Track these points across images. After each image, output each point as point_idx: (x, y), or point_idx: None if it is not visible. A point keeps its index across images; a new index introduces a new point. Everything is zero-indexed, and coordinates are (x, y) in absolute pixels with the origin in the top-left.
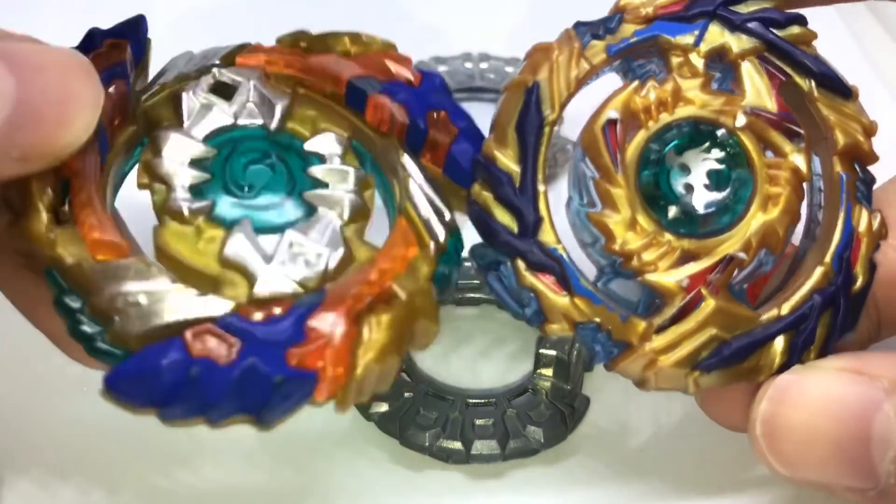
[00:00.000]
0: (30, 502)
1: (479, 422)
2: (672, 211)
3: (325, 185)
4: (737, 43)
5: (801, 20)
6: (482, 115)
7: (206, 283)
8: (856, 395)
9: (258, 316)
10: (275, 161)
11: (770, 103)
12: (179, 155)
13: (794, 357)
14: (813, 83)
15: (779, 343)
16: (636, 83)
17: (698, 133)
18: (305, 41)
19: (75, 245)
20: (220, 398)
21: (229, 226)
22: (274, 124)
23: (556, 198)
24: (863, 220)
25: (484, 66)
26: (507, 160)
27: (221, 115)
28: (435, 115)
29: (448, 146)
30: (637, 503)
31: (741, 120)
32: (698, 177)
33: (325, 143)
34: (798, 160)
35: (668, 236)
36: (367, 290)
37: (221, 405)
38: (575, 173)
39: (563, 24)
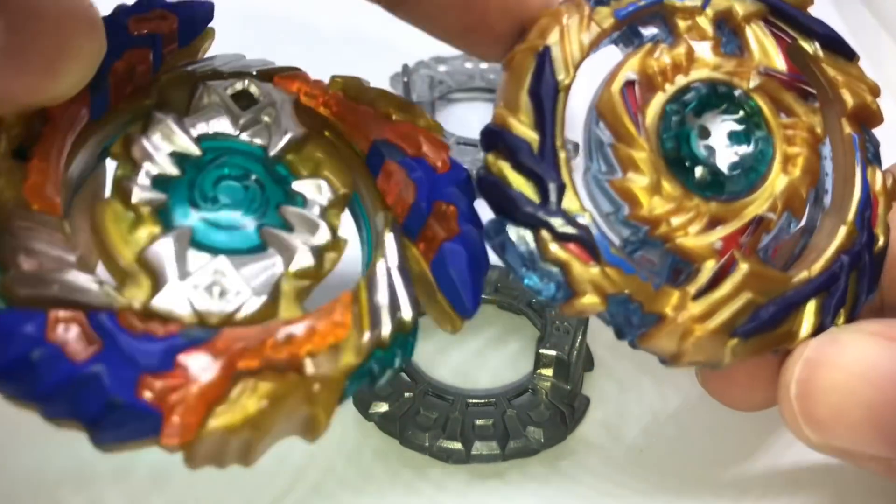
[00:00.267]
0: None
1: (479, 422)
2: (699, 172)
3: (290, 230)
4: (742, 6)
5: None
6: (482, 115)
7: (116, 273)
8: (889, 360)
9: (135, 327)
10: (252, 183)
11: (779, 63)
12: (164, 142)
13: (826, 319)
14: (818, 45)
15: (810, 306)
16: (648, 45)
17: (715, 95)
18: (355, 89)
19: (15, 184)
20: (51, 393)
21: (168, 225)
22: (273, 151)
23: None
24: (878, 180)
25: (484, 66)
26: (524, 127)
27: (228, 121)
28: (444, 206)
29: (443, 241)
30: (637, 503)
31: (755, 80)
32: (719, 138)
33: (316, 188)
34: (813, 119)
35: (695, 200)
36: (264, 351)
37: (54, 402)
38: (589, 141)
39: None
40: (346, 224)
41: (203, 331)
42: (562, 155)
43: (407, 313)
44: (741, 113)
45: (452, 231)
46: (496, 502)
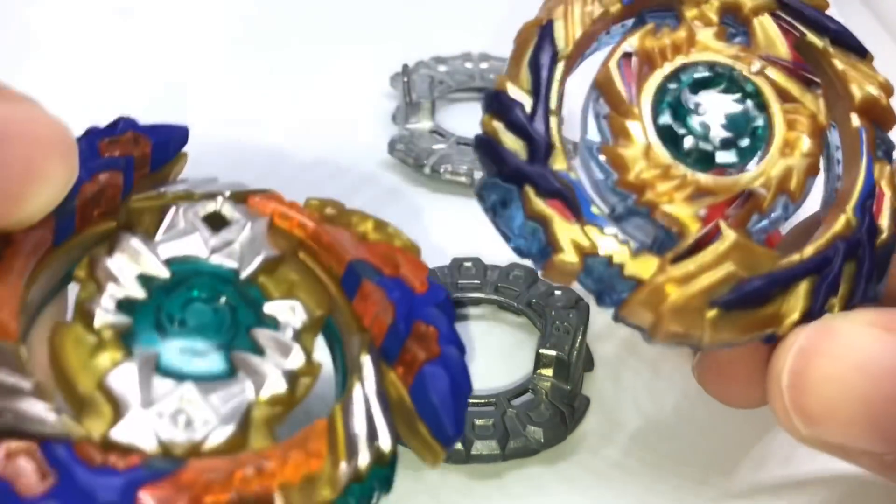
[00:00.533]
0: None
1: (479, 422)
2: (688, 141)
3: (262, 353)
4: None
5: None
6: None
7: (75, 401)
8: (887, 353)
9: (94, 459)
10: (222, 306)
11: (785, 53)
12: (131, 263)
13: (817, 303)
14: (828, 40)
15: (801, 287)
16: (651, 25)
17: (715, 74)
18: (332, 208)
19: None
20: None
21: (132, 350)
22: (245, 273)
23: None
24: (885, 174)
25: (484, 66)
26: (519, 90)
27: (199, 244)
28: (423, 327)
29: (421, 364)
30: (636, 503)
31: (756, 65)
32: (715, 116)
33: (289, 310)
34: (815, 106)
35: (683, 169)
36: (233, 484)
37: None
38: (587, 115)
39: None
40: (320, 348)
41: (167, 462)
42: (553, 119)
43: (385, 443)
44: (739, 93)
45: (432, 352)
46: (496, 502)
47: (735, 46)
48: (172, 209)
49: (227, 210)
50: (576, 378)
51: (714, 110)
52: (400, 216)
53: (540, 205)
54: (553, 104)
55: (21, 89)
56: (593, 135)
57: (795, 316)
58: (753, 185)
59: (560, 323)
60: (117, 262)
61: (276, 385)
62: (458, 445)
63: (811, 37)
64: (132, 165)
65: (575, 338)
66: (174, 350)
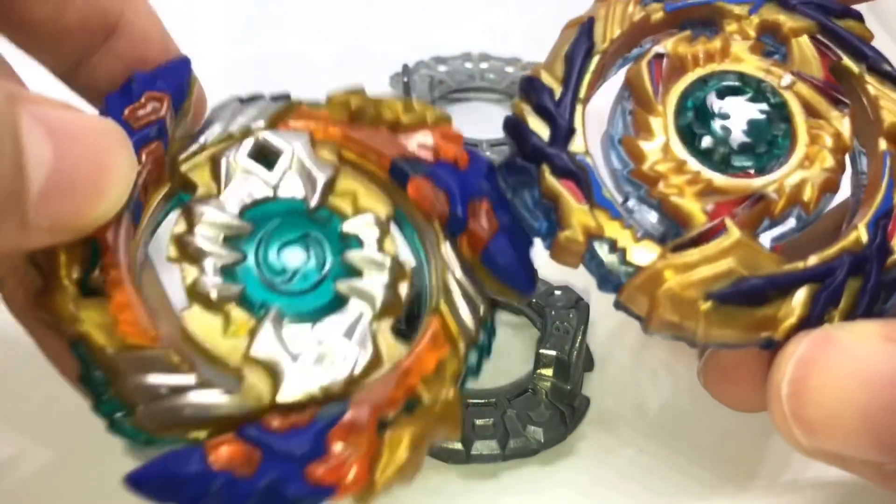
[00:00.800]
0: None
1: (479, 422)
2: (706, 141)
3: (360, 273)
4: (790, 20)
5: (859, 17)
6: (482, 114)
7: (230, 373)
8: (888, 364)
9: (279, 427)
10: (311, 243)
11: (818, 72)
12: (213, 231)
13: (815, 312)
14: (864, 66)
15: (800, 294)
16: (687, 32)
17: (744, 83)
18: (357, 101)
19: (104, 321)
20: None
21: (258, 313)
22: (314, 202)
23: None
24: None
25: (484, 65)
26: (551, 77)
27: (261, 185)
28: (478, 204)
29: (486, 242)
30: (636, 503)
31: (787, 79)
32: (737, 122)
33: (365, 225)
34: (841, 125)
35: (698, 166)
36: (391, 399)
37: None
38: (615, 110)
39: (553, 24)
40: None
41: (335, 406)
42: (579, 107)
43: (484, 308)
44: (765, 104)
45: (493, 227)
46: (496, 502)
47: (768, 61)
48: (223, 161)
49: (270, 141)
50: (576, 378)
51: (737, 116)
52: None
53: (553, 183)
54: (582, 94)
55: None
56: (618, 128)
57: (792, 321)
58: (766, 189)
59: (560, 323)
60: (202, 236)
61: (384, 299)
62: (459, 445)
63: (847, 61)
64: (165, 128)
65: (575, 338)
66: (288, 298)
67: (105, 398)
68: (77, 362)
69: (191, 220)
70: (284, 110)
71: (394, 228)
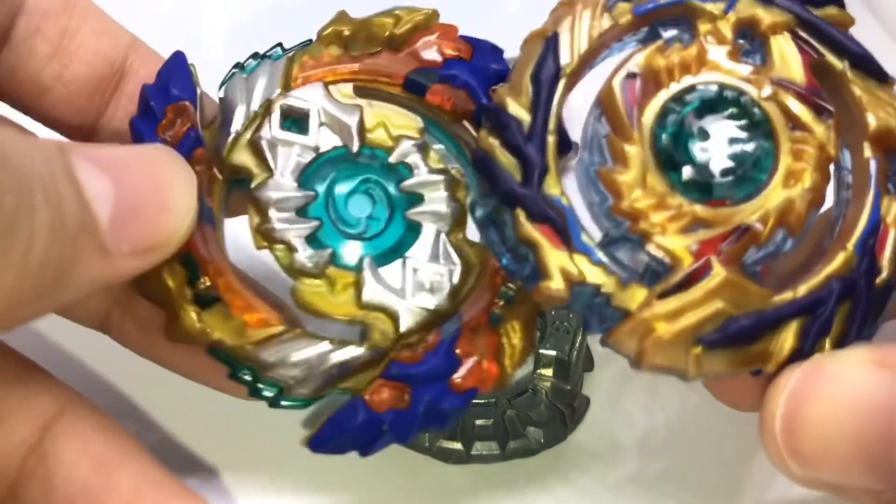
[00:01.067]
0: None
1: (479, 422)
2: (687, 171)
3: (421, 197)
4: (768, 15)
5: (838, 2)
6: None
7: (354, 326)
8: (880, 390)
9: (414, 358)
10: (370, 186)
11: (799, 77)
12: (284, 212)
13: (806, 345)
14: (847, 63)
15: (790, 327)
16: (660, 42)
17: (721, 98)
18: (347, 28)
19: (227, 324)
20: (410, 436)
21: (355, 268)
22: (355, 146)
23: None
24: (892, 210)
25: None
26: (518, 106)
27: (303, 150)
28: (497, 88)
29: None
30: (636, 503)
31: (767, 90)
32: (717, 142)
33: (407, 151)
34: (825, 136)
35: (679, 199)
36: (492, 301)
37: (412, 436)
38: (588, 133)
39: None
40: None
41: (451, 323)
42: (550, 139)
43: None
44: (746, 120)
45: None
46: (496, 502)
47: (747, 67)
48: (262, 143)
49: (293, 106)
50: (576, 378)
51: (718, 137)
52: None
53: (530, 229)
54: (551, 124)
55: None
56: (592, 154)
57: (784, 355)
58: (751, 219)
59: (560, 323)
60: (277, 219)
61: (451, 212)
62: (459, 445)
63: (830, 58)
64: (199, 133)
65: (575, 338)
66: (371, 243)
67: (259, 385)
68: (220, 364)
69: (260, 208)
70: (290, 68)
71: (431, 141)
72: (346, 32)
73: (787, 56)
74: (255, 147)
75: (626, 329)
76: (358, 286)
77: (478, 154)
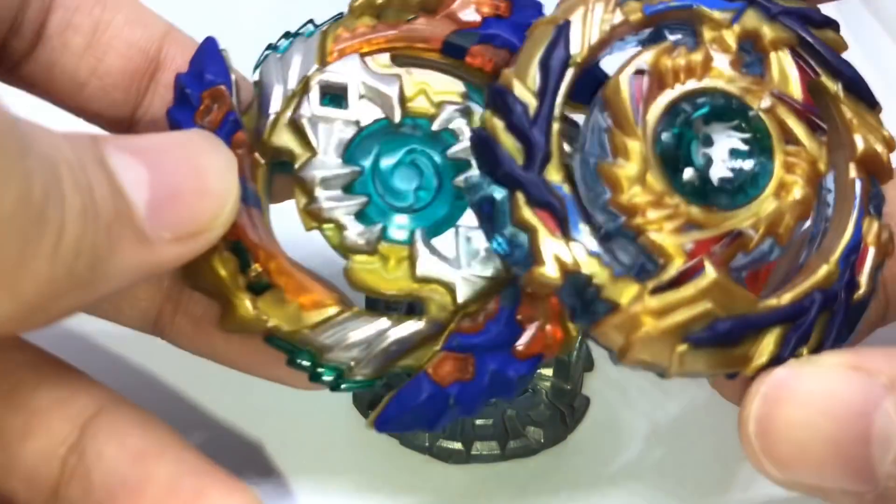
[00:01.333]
0: None
1: (479, 422)
2: (687, 173)
3: (469, 163)
4: (771, 31)
5: (835, 26)
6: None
7: (412, 299)
8: (854, 392)
9: (475, 327)
10: (415, 157)
11: (796, 93)
12: (331, 190)
13: (785, 351)
14: (840, 86)
15: (772, 334)
16: (667, 43)
17: (730, 108)
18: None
19: (283, 309)
20: (477, 408)
21: (407, 241)
22: (397, 116)
23: None
24: (872, 230)
25: None
26: (525, 90)
27: (345, 125)
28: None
29: None
30: (637, 503)
31: (766, 102)
32: (720, 151)
33: (450, 117)
34: (817, 153)
35: (677, 199)
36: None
37: (479, 408)
38: (589, 126)
39: None
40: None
41: (508, 290)
42: (555, 126)
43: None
44: (750, 134)
45: None
46: (496, 502)
47: (748, 78)
48: (302, 121)
49: (331, 81)
50: (576, 378)
51: (721, 146)
52: None
53: (528, 213)
54: (557, 111)
55: None
56: (593, 147)
57: (763, 360)
58: (743, 225)
59: None
60: (324, 199)
61: None
62: (459, 445)
63: (825, 79)
64: (237, 117)
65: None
66: (422, 215)
67: (319, 370)
68: (278, 352)
69: (306, 188)
70: (324, 42)
71: (474, 106)
72: (378, 1)
73: (785, 72)
74: (295, 126)
75: (614, 322)
76: (412, 260)
77: (480, 134)
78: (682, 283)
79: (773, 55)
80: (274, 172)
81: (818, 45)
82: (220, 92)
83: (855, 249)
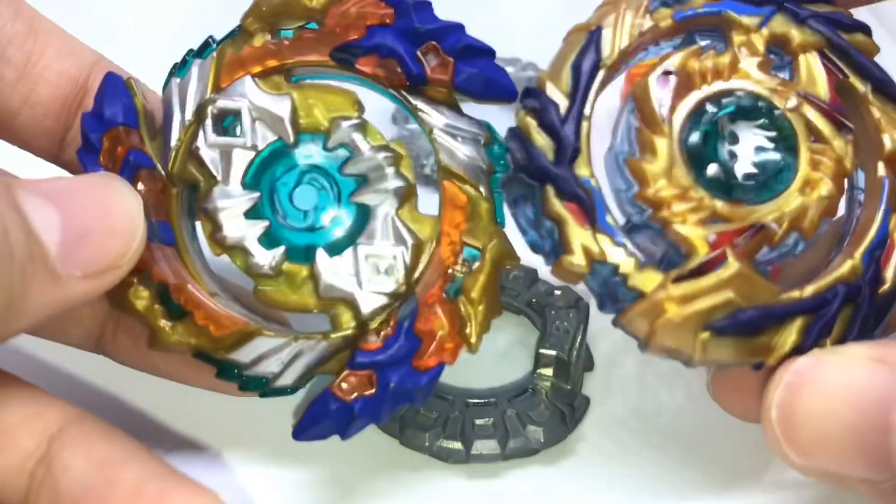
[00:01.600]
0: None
1: (479, 421)
2: (712, 169)
3: (366, 178)
4: (799, 34)
5: (867, 30)
6: (481, 115)
7: (318, 316)
8: (876, 383)
9: (375, 344)
10: (313, 176)
11: (823, 93)
12: (234, 218)
13: (808, 342)
14: (870, 87)
15: (794, 324)
16: (696, 46)
17: (756, 108)
18: (268, 12)
19: (202, 333)
20: (383, 417)
21: (309, 260)
22: (291, 137)
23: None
24: None
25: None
26: (557, 91)
27: (242, 152)
28: (425, 51)
29: (452, 81)
30: (637, 503)
31: (792, 101)
32: (745, 148)
33: (344, 133)
34: (843, 151)
35: (701, 193)
36: (448, 272)
37: (385, 416)
38: (619, 125)
39: (559, 24)
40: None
41: (408, 304)
42: (585, 124)
43: (479, 132)
44: (776, 132)
45: (447, 67)
46: (496, 502)
47: (775, 80)
48: (200, 152)
49: (224, 107)
50: (576, 378)
51: (746, 142)
52: None
53: (557, 206)
54: (587, 110)
55: None
56: (622, 144)
57: (785, 349)
58: (767, 219)
59: (560, 323)
60: (228, 226)
61: (397, 189)
62: (459, 445)
63: (854, 80)
64: (140, 152)
65: (575, 338)
66: (323, 233)
67: (244, 380)
68: (207, 366)
69: (210, 217)
70: (218, 66)
71: (369, 120)
72: (268, 16)
73: (813, 73)
74: (194, 158)
75: (639, 309)
76: (314, 280)
77: (514, 131)
78: (704, 272)
79: (801, 58)
80: (192, 193)
81: (847, 47)
82: (118, 133)
83: (881, 245)
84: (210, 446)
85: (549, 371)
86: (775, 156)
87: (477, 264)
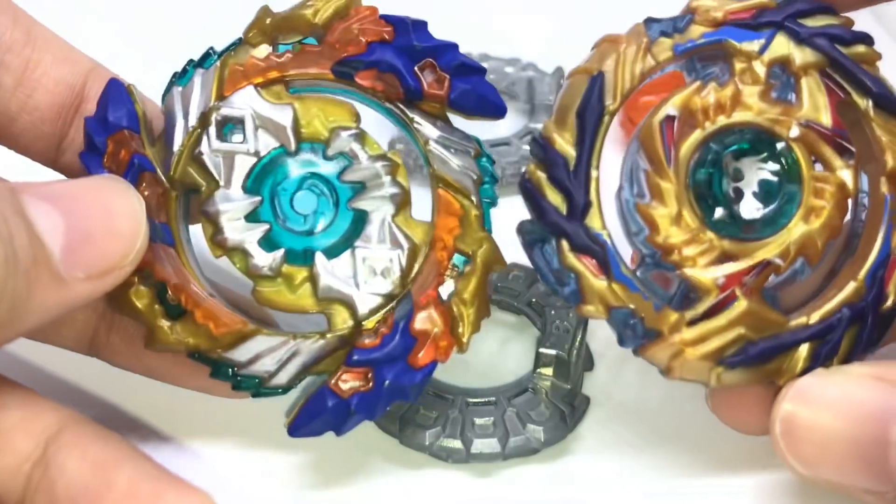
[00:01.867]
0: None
1: (479, 421)
2: (718, 212)
3: (364, 185)
4: (801, 55)
5: (868, 40)
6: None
7: (316, 317)
8: (876, 400)
9: (372, 343)
10: (313, 182)
11: (825, 118)
12: (234, 221)
13: (816, 365)
14: (870, 103)
15: (803, 350)
16: (698, 83)
17: (759, 142)
18: (271, 24)
19: (197, 332)
20: (378, 413)
21: (307, 262)
22: (292, 144)
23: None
24: None
25: (484, 66)
26: (565, 143)
27: (244, 157)
28: (422, 70)
29: (447, 97)
30: (637, 502)
31: (795, 131)
32: (750, 184)
33: (344, 142)
34: (846, 176)
35: (710, 234)
36: (441, 275)
37: (380, 412)
38: (629, 165)
39: (558, 24)
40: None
41: (403, 304)
42: (594, 174)
43: (471, 147)
44: (779, 166)
45: (443, 83)
46: (496, 502)
47: (778, 107)
48: (203, 157)
49: (228, 115)
50: (576, 378)
51: (750, 179)
52: None
53: (572, 259)
54: (595, 160)
55: None
56: (633, 189)
57: (796, 373)
58: (773, 253)
59: (560, 322)
60: (229, 229)
61: (394, 196)
62: (459, 444)
63: (855, 97)
64: (143, 156)
65: (575, 337)
66: (321, 237)
67: (239, 379)
68: (202, 366)
69: (211, 220)
70: (221, 76)
71: (367, 125)
72: (270, 29)
73: (815, 96)
74: (197, 162)
75: (658, 348)
76: (313, 280)
77: (526, 186)
78: (716, 312)
79: (803, 81)
80: (190, 198)
81: (848, 63)
82: (123, 137)
83: (883, 264)
84: (204, 448)
85: (549, 370)
86: (775, 179)
87: (468, 268)
